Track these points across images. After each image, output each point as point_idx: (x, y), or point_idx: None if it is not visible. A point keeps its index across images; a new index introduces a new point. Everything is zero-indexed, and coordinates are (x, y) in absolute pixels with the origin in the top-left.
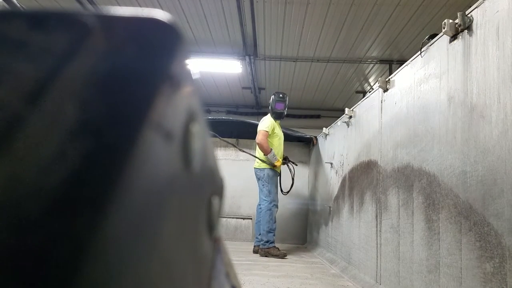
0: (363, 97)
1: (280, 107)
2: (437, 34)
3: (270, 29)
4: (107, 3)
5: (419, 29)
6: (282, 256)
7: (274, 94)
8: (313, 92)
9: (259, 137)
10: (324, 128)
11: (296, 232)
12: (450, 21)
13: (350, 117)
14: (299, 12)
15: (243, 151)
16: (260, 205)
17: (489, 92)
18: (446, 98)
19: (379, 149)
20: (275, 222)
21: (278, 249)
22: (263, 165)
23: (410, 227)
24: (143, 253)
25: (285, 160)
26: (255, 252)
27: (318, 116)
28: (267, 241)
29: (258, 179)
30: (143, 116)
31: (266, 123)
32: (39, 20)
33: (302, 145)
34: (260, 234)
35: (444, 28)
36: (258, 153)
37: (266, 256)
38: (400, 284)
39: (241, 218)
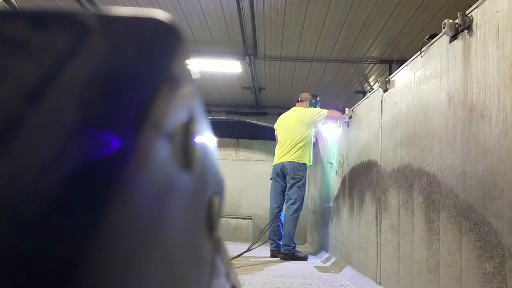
0: (363, 97)
1: None
2: (437, 34)
3: (270, 29)
4: (107, 3)
5: (419, 29)
6: (306, 257)
7: (317, 96)
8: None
9: (329, 113)
10: (324, 128)
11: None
12: (450, 21)
13: (350, 117)
14: (299, 12)
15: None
16: (291, 204)
17: (489, 92)
18: (446, 98)
19: (379, 149)
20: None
21: (300, 251)
22: (309, 162)
23: (410, 227)
24: (143, 253)
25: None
26: (274, 256)
27: None
28: (294, 246)
29: (293, 177)
30: (143, 116)
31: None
32: (39, 20)
33: None
34: (278, 239)
35: (444, 28)
36: (302, 149)
37: (291, 260)
38: (400, 284)
39: (241, 218)
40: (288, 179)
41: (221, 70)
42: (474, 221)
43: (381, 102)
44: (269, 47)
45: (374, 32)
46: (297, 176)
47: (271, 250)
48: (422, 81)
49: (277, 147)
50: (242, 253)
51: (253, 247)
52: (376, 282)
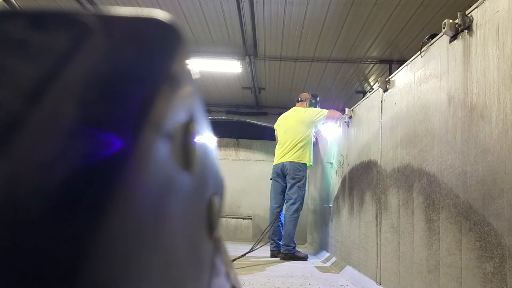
0: (363, 97)
1: None
2: (437, 34)
3: (270, 29)
4: (107, 3)
5: (419, 29)
6: (306, 257)
7: (317, 96)
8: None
9: (329, 113)
10: (324, 128)
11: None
12: (450, 21)
13: (350, 117)
14: (299, 12)
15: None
16: (291, 204)
17: (489, 92)
18: (446, 98)
19: (379, 149)
20: None
21: (300, 251)
22: (309, 162)
23: (410, 227)
24: (143, 253)
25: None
26: (274, 256)
27: None
28: (294, 246)
29: (293, 178)
30: (143, 117)
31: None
32: (39, 20)
33: None
34: (278, 239)
35: (444, 28)
36: (302, 150)
37: (291, 260)
38: (400, 284)
39: (241, 218)
40: (288, 179)
41: (221, 70)
42: (474, 221)
43: (381, 102)
44: (269, 47)
45: (374, 32)
46: (297, 176)
47: (271, 250)
48: (422, 81)
49: (277, 147)
50: (245, 254)
51: (256, 247)
52: (376, 282)
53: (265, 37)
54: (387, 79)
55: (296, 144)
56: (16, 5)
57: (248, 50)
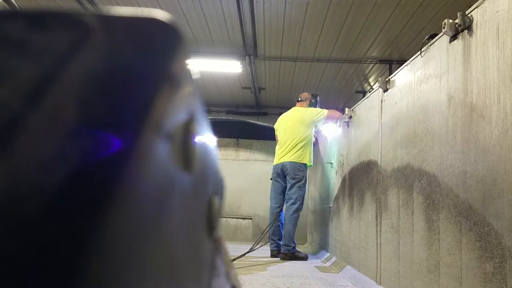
0: (363, 97)
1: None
2: (437, 34)
3: (270, 29)
4: (107, 3)
5: (419, 29)
6: (306, 257)
7: (317, 96)
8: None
9: (329, 113)
10: (324, 128)
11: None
12: (450, 21)
13: (350, 117)
14: (299, 12)
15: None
16: (291, 204)
17: (489, 92)
18: (446, 98)
19: (379, 149)
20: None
21: (300, 251)
22: (309, 162)
23: (410, 227)
24: (143, 253)
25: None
26: (274, 256)
27: None
28: (294, 246)
29: (293, 178)
30: (143, 116)
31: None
32: (39, 20)
33: None
34: (278, 239)
35: (444, 28)
36: (302, 150)
37: (291, 260)
38: (400, 284)
39: (241, 218)
40: (289, 179)
41: (221, 70)
42: (474, 221)
43: (381, 102)
44: (269, 47)
45: (374, 32)
46: (297, 176)
47: (271, 250)
48: (422, 81)
49: (277, 147)
50: (245, 254)
51: (256, 247)
52: (376, 282)
53: (265, 37)
54: (387, 79)
55: (296, 144)
56: (16, 5)
57: (248, 50)
